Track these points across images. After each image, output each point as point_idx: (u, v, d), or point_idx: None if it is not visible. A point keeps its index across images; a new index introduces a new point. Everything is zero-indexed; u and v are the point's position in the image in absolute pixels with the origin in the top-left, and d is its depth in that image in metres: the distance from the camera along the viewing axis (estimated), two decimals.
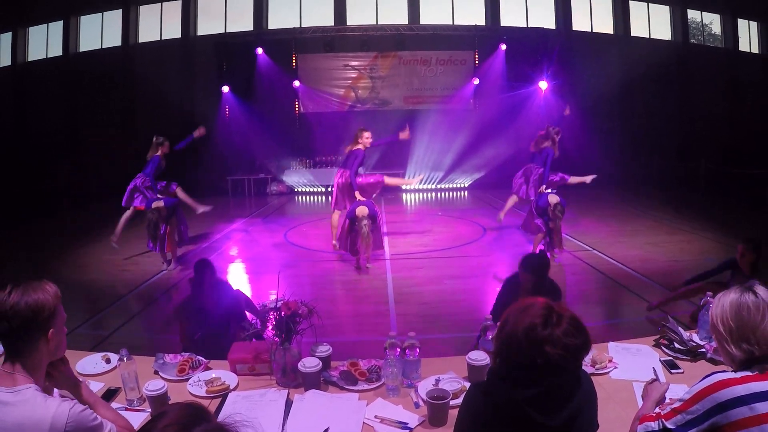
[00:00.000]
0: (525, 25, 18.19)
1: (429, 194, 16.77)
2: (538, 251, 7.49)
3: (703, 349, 2.74)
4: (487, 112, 17.07)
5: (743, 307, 1.77)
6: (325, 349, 2.71)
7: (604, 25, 18.49)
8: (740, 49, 19.00)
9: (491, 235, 9.85)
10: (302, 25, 17.72)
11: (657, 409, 1.94)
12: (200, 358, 2.78)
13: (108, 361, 2.78)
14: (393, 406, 2.39)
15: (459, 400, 2.26)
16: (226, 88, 16.62)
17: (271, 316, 2.58)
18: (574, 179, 8.55)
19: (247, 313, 4.41)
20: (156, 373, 2.68)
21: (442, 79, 17.73)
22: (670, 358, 2.74)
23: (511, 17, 18.20)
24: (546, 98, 16.55)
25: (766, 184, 12.50)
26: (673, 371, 2.62)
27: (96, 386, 2.49)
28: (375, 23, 17.75)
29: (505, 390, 1.60)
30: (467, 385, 2.45)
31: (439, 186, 17.59)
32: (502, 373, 1.65)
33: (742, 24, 18.97)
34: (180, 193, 8.54)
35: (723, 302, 1.84)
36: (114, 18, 17.80)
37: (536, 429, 1.56)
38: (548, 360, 1.55)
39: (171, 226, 7.95)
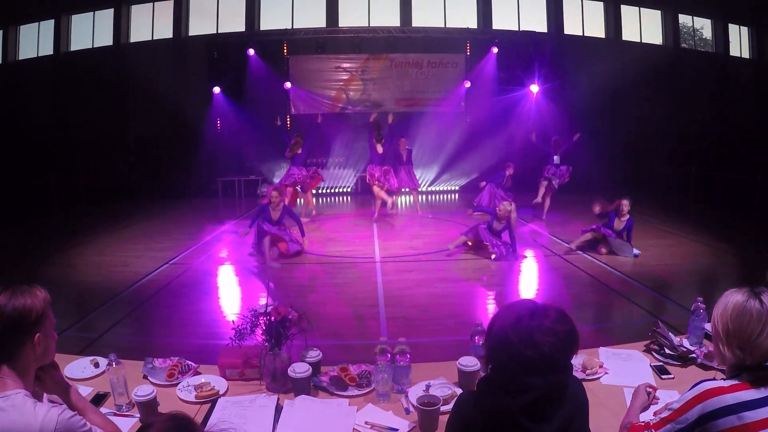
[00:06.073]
0: (517, 29, 18.22)
1: (421, 197, 16.70)
2: None
3: (694, 355, 2.75)
4: (479, 115, 17.07)
5: (746, 313, 1.76)
6: (314, 355, 2.70)
7: (596, 29, 18.56)
8: (731, 54, 19.14)
9: None
10: (294, 27, 17.68)
11: (650, 417, 1.94)
12: (189, 362, 2.76)
13: (97, 365, 2.75)
14: (383, 412, 2.38)
15: (449, 406, 2.26)
16: (217, 89, 16.52)
17: (261, 321, 2.57)
18: None
19: None
20: (145, 377, 2.66)
21: (433, 82, 17.66)
22: (661, 363, 2.75)
23: (502, 20, 18.21)
24: (537, 101, 16.60)
25: (755, 188, 12.62)
26: (663, 377, 2.62)
27: (84, 391, 2.46)
28: (367, 25, 17.73)
29: (497, 398, 1.58)
30: (458, 390, 2.44)
31: (429, 188, 17.59)
32: (493, 379, 1.64)
33: (732, 29, 19.11)
34: None
35: (727, 302, 1.82)
36: (105, 17, 17.68)
37: None
38: (539, 351, 1.54)
39: None
